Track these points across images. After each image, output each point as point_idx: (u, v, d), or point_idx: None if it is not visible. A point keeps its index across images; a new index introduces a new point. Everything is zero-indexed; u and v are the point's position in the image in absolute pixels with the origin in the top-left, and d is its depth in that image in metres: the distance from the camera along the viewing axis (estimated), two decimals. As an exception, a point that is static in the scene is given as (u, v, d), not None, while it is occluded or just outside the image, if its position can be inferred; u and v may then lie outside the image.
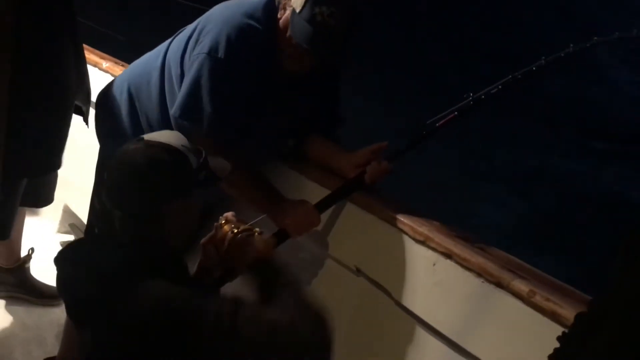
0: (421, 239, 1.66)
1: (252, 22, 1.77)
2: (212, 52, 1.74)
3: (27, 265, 2.44)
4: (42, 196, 2.32)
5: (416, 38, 6.82)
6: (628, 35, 1.80)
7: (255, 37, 1.77)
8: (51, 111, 2.07)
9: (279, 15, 1.78)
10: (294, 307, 1.27)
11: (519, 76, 1.77)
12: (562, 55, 1.76)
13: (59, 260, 1.39)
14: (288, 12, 1.73)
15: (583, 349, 1.10)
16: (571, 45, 1.78)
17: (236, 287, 1.48)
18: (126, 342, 1.23)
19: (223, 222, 1.49)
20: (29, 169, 2.12)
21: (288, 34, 1.73)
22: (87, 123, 2.24)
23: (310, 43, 1.70)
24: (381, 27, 5.60)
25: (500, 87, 1.76)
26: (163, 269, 1.29)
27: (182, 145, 1.36)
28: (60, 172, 2.30)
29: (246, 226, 1.48)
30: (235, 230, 1.45)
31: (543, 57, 1.78)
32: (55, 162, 2.17)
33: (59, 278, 1.39)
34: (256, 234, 1.46)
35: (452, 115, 1.77)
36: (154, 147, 1.33)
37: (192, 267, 1.53)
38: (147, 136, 1.37)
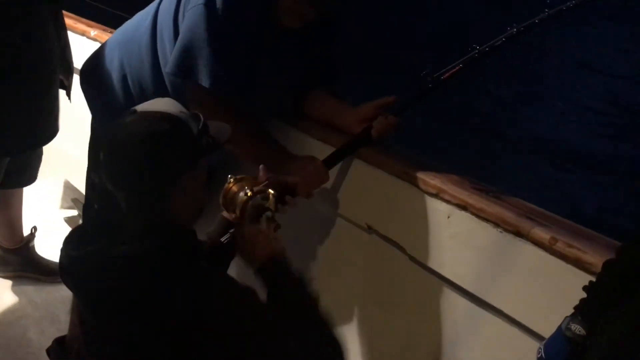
0: (434, 191, 1.60)
1: None
2: (208, 2, 1.64)
3: (31, 244, 2.40)
4: (26, 175, 2.25)
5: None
6: None
7: None
8: (31, 86, 1.98)
9: None
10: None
11: (522, 28, 1.72)
12: (564, 8, 1.70)
13: (65, 250, 1.30)
14: None
15: (614, 303, 1.05)
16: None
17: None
18: (160, 340, 1.17)
19: (232, 180, 1.42)
20: (8, 146, 2.04)
21: None
22: (69, 97, 2.16)
23: None
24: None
25: (503, 39, 1.71)
26: (179, 252, 1.22)
27: (180, 112, 1.27)
28: (58, 145, 2.23)
29: (260, 187, 1.40)
30: (249, 193, 1.37)
31: (546, 10, 1.73)
32: (40, 138, 2.10)
33: (66, 269, 1.29)
34: (271, 195, 1.38)
35: (457, 68, 1.70)
36: (150, 118, 1.23)
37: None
38: (140, 107, 1.27)
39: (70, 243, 1.31)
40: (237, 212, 1.39)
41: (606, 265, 1.12)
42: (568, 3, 1.74)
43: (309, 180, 1.67)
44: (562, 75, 6.23)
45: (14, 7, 1.88)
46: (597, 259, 1.32)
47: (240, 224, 1.41)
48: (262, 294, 1.27)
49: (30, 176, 2.27)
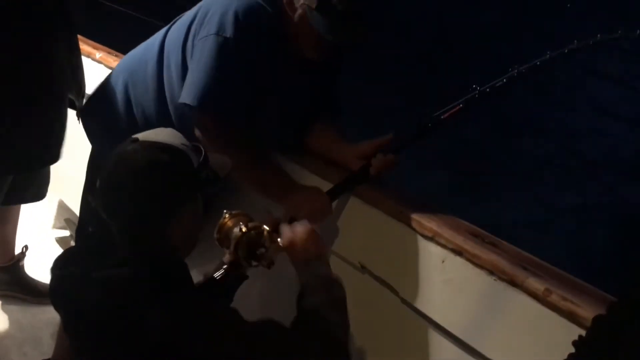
0: (429, 234, 1.58)
1: (260, 1, 1.68)
2: (219, 32, 1.65)
3: (21, 263, 2.38)
4: (30, 192, 2.24)
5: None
6: (630, 35, 1.76)
7: (263, 16, 1.68)
8: (39, 105, 1.98)
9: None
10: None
11: (524, 70, 1.73)
12: (566, 51, 1.71)
13: (56, 270, 1.29)
14: (300, 10, 1.64)
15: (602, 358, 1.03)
16: (575, 41, 1.75)
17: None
18: None
19: (227, 216, 1.41)
20: (14, 164, 2.03)
21: (297, 19, 1.65)
22: (79, 118, 2.16)
23: (335, 34, 1.62)
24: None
25: (505, 80, 1.71)
26: (169, 284, 1.19)
27: (182, 144, 1.26)
28: (55, 166, 2.22)
29: (255, 223, 1.39)
30: (244, 229, 1.37)
31: (548, 52, 1.74)
32: (44, 157, 2.09)
33: (55, 290, 1.28)
34: (265, 232, 1.37)
35: (457, 108, 1.70)
36: (151, 148, 1.22)
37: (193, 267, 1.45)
38: (142, 135, 1.26)
39: (59, 263, 1.30)
40: (232, 247, 1.38)
41: (596, 320, 1.10)
42: (570, 46, 1.74)
43: (314, 214, 1.65)
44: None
45: (28, 28, 1.89)
46: (590, 314, 1.29)
47: (236, 261, 1.40)
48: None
49: (35, 194, 2.26)
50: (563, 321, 1.33)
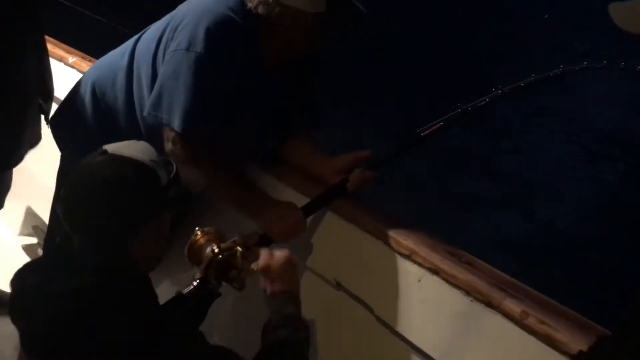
0: (406, 252, 1.56)
1: (231, 13, 1.64)
2: (190, 47, 1.61)
3: (-17, 272, 2.29)
4: None
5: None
6: (615, 64, 1.78)
7: (235, 29, 1.65)
8: (3, 108, 1.91)
9: (249, 6, 1.64)
10: None
11: (507, 90, 1.72)
12: (551, 75, 1.72)
13: (16, 282, 1.25)
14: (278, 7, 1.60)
15: None
16: (561, 66, 1.77)
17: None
18: None
19: (199, 233, 1.37)
20: None
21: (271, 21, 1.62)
22: (47, 122, 2.10)
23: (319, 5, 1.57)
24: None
25: (487, 100, 1.71)
26: (131, 294, 1.16)
27: (151, 160, 1.24)
28: (23, 171, 2.15)
29: (227, 244, 1.36)
30: (216, 250, 1.33)
31: (533, 75, 1.75)
32: (3, 162, 2.02)
33: (13, 303, 1.24)
34: (238, 253, 1.34)
35: (437, 126, 1.69)
36: (118, 162, 1.20)
37: (160, 282, 1.41)
38: (111, 148, 1.24)
39: (21, 275, 1.25)
40: (202, 266, 1.34)
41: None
42: (556, 70, 1.75)
43: (288, 230, 1.63)
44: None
45: None
46: (568, 338, 1.28)
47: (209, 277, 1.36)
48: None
49: None
50: (540, 344, 1.31)
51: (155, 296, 1.25)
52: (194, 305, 1.40)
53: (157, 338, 1.11)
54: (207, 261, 1.33)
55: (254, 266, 1.35)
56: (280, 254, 1.36)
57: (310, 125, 1.91)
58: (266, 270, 1.34)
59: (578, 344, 1.27)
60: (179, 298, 1.39)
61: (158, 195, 1.22)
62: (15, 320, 1.23)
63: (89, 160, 1.21)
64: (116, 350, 1.10)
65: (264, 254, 1.37)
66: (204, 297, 1.39)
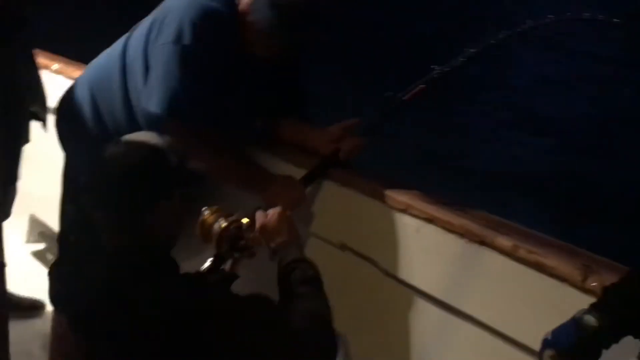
0: (402, 207, 1.69)
1: (214, 4, 1.74)
2: (177, 39, 1.71)
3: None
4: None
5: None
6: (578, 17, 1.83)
7: (219, 20, 1.75)
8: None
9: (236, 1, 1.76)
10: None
11: (481, 50, 1.82)
12: (520, 30, 1.80)
13: (50, 279, 1.36)
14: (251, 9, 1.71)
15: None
16: (527, 21, 1.83)
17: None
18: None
19: (207, 213, 1.49)
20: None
21: (250, 19, 1.72)
22: (45, 129, 2.17)
23: (275, 28, 1.69)
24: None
25: (464, 59, 1.80)
26: (155, 272, 1.28)
27: (161, 144, 1.35)
28: (21, 183, 2.22)
29: (234, 217, 1.47)
30: (224, 224, 1.45)
31: (502, 31, 1.83)
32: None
33: (53, 296, 1.36)
34: (244, 223, 1.46)
35: (419, 88, 1.79)
36: (134, 146, 1.32)
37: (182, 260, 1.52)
38: (125, 138, 1.36)
39: (54, 269, 1.36)
40: (214, 242, 1.46)
41: (633, 272, 1.20)
42: (524, 26, 1.79)
43: (291, 202, 1.73)
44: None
45: None
46: (556, 263, 1.43)
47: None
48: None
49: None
50: (532, 272, 1.46)
51: (179, 269, 1.37)
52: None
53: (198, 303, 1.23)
54: (217, 236, 1.45)
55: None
56: (273, 211, 1.50)
57: (298, 107, 2.01)
58: (264, 229, 1.48)
59: (566, 266, 1.42)
60: (198, 276, 1.50)
61: (169, 173, 1.33)
62: (60, 310, 1.35)
63: (106, 150, 1.32)
64: (157, 323, 1.22)
65: (258, 215, 1.50)
66: (223, 279, 1.50)
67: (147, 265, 1.28)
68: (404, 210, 1.69)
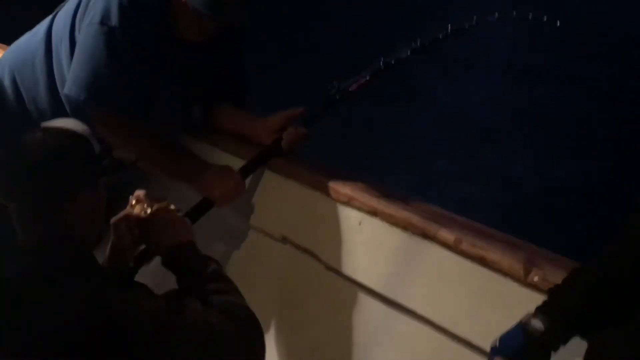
0: (345, 199, 1.65)
1: None
2: (104, 20, 1.63)
3: None
4: None
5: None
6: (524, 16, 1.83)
7: (148, 2, 1.67)
8: None
9: None
10: (227, 310, 1.22)
11: (427, 43, 1.80)
12: (467, 27, 1.79)
13: None
14: None
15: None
16: (474, 17, 1.83)
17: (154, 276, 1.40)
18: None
19: (134, 202, 1.40)
20: None
21: (182, 0, 1.64)
22: None
23: (209, 9, 1.61)
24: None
25: (409, 52, 1.78)
26: (77, 269, 1.19)
27: (84, 130, 1.28)
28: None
29: (161, 204, 1.39)
30: (149, 210, 1.37)
31: (449, 26, 1.82)
32: None
33: None
34: (171, 212, 1.38)
35: (364, 80, 1.75)
36: (54, 134, 1.23)
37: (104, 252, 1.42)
38: (44, 124, 1.28)
39: None
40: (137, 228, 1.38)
41: (576, 272, 1.18)
42: (471, 22, 1.78)
43: (227, 193, 1.67)
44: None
45: None
46: (499, 257, 1.42)
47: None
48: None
49: None
50: (475, 266, 1.44)
51: (98, 265, 1.28)
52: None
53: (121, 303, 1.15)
54: (141, 221, 1.35)
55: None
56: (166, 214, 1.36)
57: (238, 93, 1.94)
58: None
59: (509, 261, 1.40)
60: (120, 275, 1.41)
61: (92, 162, 1.25)
62: None
63: (23, 136, 1.23)
64: (81, 326, 1.13)
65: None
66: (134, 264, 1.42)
67: (66, 262, 1.19)
68: (346, 203, 1.64)
